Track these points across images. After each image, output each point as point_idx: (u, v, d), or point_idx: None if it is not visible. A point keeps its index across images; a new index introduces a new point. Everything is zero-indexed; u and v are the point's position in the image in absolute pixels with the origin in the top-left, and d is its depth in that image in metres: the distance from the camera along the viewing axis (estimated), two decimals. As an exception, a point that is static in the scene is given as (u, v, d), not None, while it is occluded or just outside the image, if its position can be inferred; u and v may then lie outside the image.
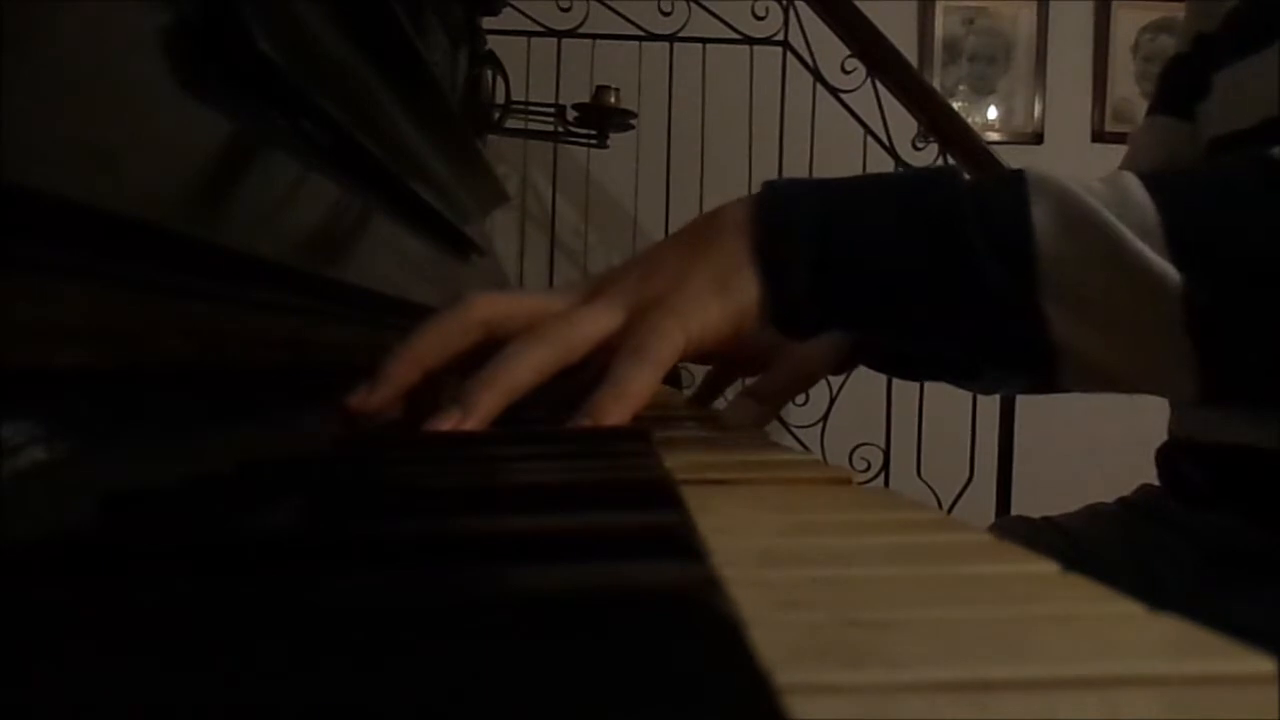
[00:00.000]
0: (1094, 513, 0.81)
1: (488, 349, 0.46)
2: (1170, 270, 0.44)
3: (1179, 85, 0.77)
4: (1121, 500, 0.80)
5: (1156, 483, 0.77)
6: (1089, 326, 0.46)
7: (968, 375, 0.61)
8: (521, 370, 0.44)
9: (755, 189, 0.51)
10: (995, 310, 0.46)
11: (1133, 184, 0.47)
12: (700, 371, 0.81)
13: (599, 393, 0.44)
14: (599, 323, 0.46)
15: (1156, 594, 0.20)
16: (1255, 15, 0.67)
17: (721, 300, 0.47)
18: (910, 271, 0.47)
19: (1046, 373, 0.48)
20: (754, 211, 0.49)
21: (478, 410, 0.43)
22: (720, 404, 0.78)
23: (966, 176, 0.49)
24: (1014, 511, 1.89)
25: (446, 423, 0.42)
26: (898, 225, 0.47)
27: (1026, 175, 0.48)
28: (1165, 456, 0.76)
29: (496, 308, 0.47)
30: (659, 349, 0.45)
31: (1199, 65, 0.73)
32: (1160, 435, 0.78)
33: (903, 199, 0.48)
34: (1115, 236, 0.45)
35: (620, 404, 0.44)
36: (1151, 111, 0.82)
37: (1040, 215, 0.46)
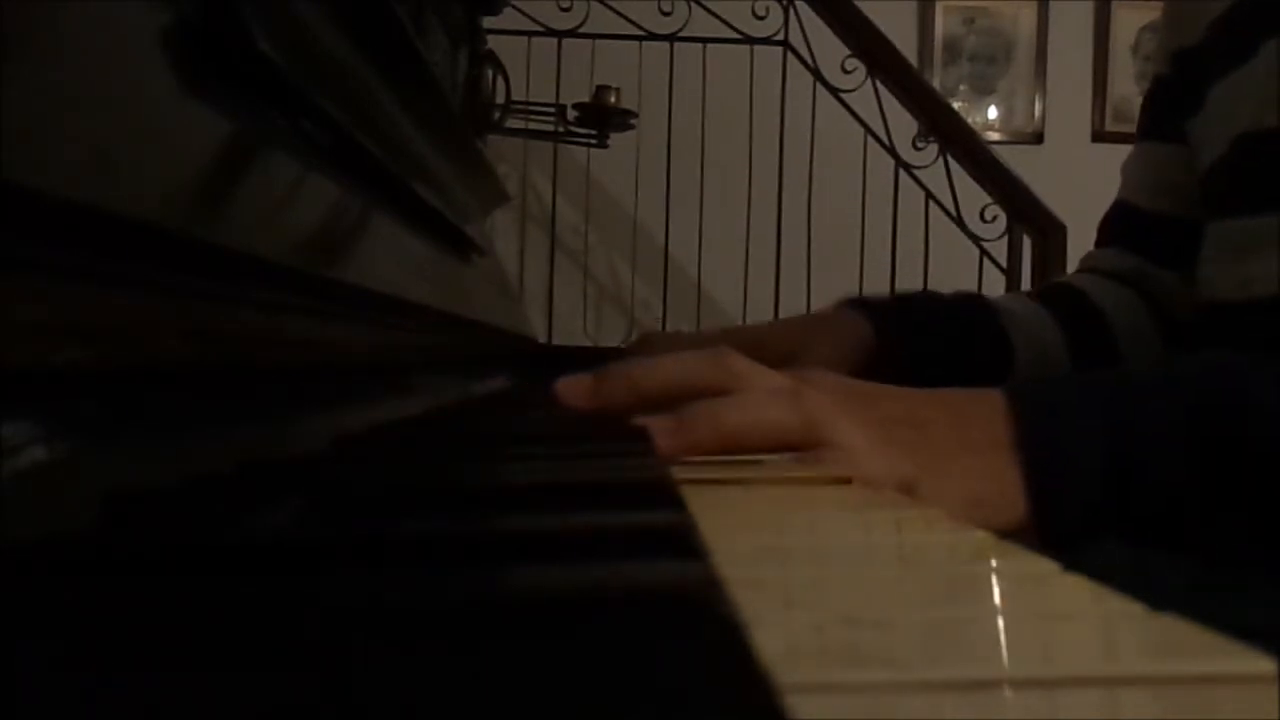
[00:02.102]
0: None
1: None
2: None
3: (1165, 107, 0.76)
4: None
5: None
6: None
7: None
8: (752, 430, 0.41)
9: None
10: None
11: None
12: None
13: None
14: (873, 465, 0.41)
15: (1156, 594, 0.19)
16: (1239, 24, 0.65)
17: (966, 515, 0.43)
18: (1218, 495, 0.44)
19: None
20: (1020, 427, 0.44)
21: (688, 442, 0.40)
22: None
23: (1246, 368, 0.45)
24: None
25: (658, 435, 0.40)
26: (1204, 465, 0.44)
27: None
28: None
29: (749, 366, 0.44)
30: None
31: (1184, 81, 0.71)
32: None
33: (1193, 421, 0.44)
34: None
35: None
36: (1141, 138, 0.80)
37: None
